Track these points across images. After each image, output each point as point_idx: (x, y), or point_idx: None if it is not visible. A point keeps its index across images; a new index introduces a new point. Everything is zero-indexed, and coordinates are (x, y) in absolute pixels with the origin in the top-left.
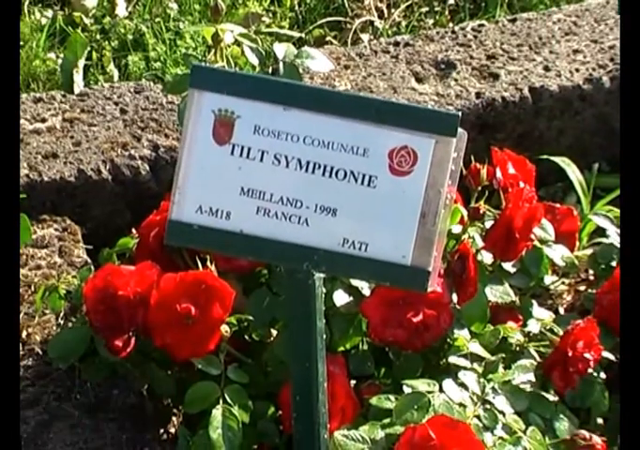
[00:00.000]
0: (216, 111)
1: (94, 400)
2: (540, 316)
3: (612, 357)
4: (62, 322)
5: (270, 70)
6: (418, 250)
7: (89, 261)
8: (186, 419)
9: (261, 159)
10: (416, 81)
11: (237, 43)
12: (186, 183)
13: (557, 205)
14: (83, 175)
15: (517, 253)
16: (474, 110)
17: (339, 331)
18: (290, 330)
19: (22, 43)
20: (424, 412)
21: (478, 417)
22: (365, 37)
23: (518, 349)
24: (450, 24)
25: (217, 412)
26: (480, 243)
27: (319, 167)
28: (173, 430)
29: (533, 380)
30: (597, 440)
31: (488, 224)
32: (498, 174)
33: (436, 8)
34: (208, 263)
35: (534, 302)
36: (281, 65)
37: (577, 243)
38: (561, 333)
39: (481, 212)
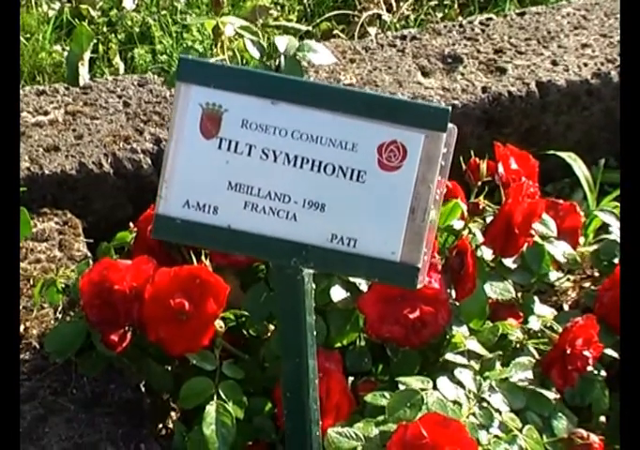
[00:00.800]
0: (203, 104)
1: (90, 395)
2: (542, 313)
3: (615, 355)
4: (60, 316)
5: (277, 63)
6: (407, 246)
7: (89, 254)
8: (184, 414)
9: (249, 154)
10: (422, 75)
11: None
12: (173, 177)
13: (560, 201)
14: (85, 169)
15: (517, 249)
16: (480, 104)
17: (335, 327)
18: (280, 326)
19: (28, 35)
20: (417, 409)
21: (473, 415)
22: (372, 30)
23: (518, 346)
24: (460, 18)
25: (211, 409)
26: (481, 239)
27: (307, 162)
28: (172, 425)
29: (531, 377)
30: (594, 438)
31: (489, 220)
32: (500, 170)
33: (446, 2)
34: (203, 258)
35: (536, 298)
36: (282, 58)
37: (583, 239)
38: (561, 330)
39: (481, 207)
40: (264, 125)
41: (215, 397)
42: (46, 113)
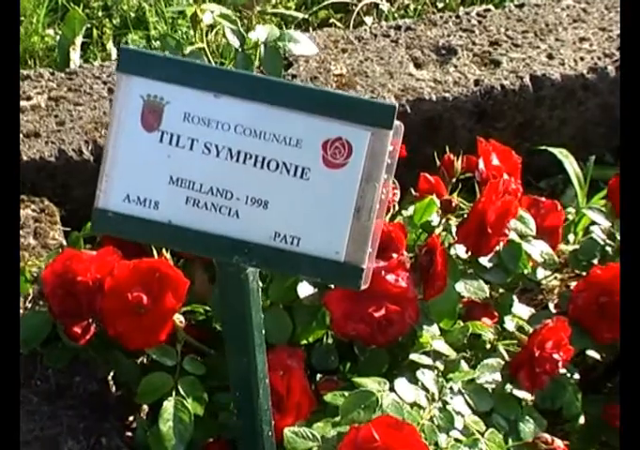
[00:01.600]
0: (145, 96)
1: (54, 387)
2: (520, 313)
3: (597, 356)
4: (30, 305)
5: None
6: (352, 246)
7: (64, 243)
8: (152, 409)
9: (191, 148)
10: (414, 66)
11: None
12: (113, 170)
13: (542, 199)
14: (64, 156)
15: (490, 248)
16: (472, 97)
17: (302, 324)
18: (225, 324)
19: (22, 18)
20: (371, 411)
21: (433, 418)
22: (369, 20)
23: (489, 347)
24: (462, 9)
25: (168, 405)
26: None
27: (250, 157)
28: None
29: (499, 379)
30: (559, 443)
31: None
32: (481, 166)
33: None
34: (164, 251)
35: (515, 298)
36: (262, 47)
37: (573, 236)
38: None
39: (454, 204)
40: (206, 118)
41: (174, 393)
42: (29, 98)
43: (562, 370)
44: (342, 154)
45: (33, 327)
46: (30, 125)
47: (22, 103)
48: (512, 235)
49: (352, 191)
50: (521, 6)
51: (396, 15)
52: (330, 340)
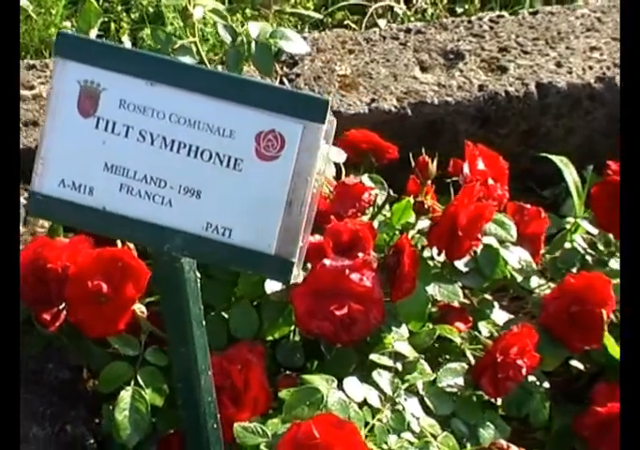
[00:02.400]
0: (81, 81)
1: (25, 373)
2: (498, 319)
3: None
4: None
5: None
6: (282, 240)
7: None
8: None
9: (126, 135)
10: (420, 69)
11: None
12: (49, 154)
13: (527, 206)
14: None
15: (462, 252)
16: (475, 102)
17: (268, 320)
18: (163, 314)
19: (41, 10)
20: (315, 408)
21: (384, 419)
22: (382, 22)
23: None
24: (480, 14)
25: (125, 394)
26: None
27: (184, 146)
28: None
29: (462, 384)
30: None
31: None
32: (466, 170)
33: None
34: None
35: (496, 304)
36: (253, 44)
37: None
38: None
39: (426, 206)
40: (142, 106)
41: (132, 383)
42: (32, 88)
43: (532, 378)
44: (275, 146)
45: None
46: (30, 114)
47: (25, 92)
48: (491, 240)
49: (284, 184)
50: (535, 13)
51: (412, 19)
52: (297, 338)
